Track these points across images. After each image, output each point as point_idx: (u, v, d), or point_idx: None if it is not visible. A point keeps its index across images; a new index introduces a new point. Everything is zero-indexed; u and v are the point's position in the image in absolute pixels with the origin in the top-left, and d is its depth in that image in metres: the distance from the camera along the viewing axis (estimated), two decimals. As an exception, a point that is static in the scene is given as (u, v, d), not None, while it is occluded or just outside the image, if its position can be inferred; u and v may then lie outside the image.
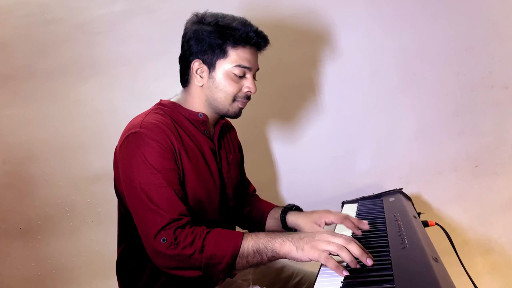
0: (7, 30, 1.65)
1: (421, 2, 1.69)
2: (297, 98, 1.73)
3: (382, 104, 1.73)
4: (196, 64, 1.11)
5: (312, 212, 1.20)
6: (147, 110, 1.13)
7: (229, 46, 1.09)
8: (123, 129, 1.09)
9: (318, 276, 0.88)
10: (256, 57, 1.15)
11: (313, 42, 1.70)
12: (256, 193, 1.41)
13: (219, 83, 1.11)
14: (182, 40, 1.14)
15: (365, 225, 1.11)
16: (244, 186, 1.36)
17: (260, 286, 1.13)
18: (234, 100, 1.13)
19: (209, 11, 1.13)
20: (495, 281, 1.79)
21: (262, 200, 1.38)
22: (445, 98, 1.73)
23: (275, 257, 0.93)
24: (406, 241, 0.94)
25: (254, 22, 1.13)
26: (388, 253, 0.91)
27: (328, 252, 0.87)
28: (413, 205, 1.45)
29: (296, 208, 1.27)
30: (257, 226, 1.31)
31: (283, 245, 0.92)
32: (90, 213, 1.71)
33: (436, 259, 0.83)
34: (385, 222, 1.16)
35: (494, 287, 1.79)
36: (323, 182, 1.74)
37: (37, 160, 1.69)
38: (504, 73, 1.72)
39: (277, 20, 1.67)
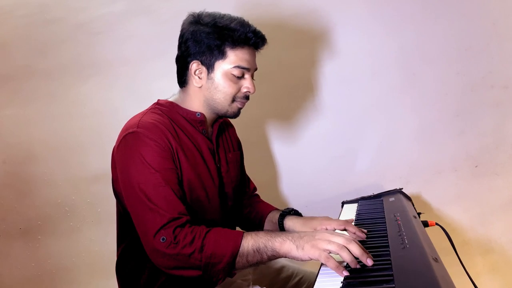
0: (7, 30, 1.65)
1: (421, 2, 1.69)
2: (297, 98, 1.73)
3: (382, 104, 1.73)
4: (194, 65, 1.11)
5: (312, 218, 1.18)
6: (145, 110, 1.12)
7: (227, 47, 1.08)
8: (123, 129, 1.08)
9: (318, 276, 0.88)
10: (254, 57, 1.14)
11: (313, 42, 1.70)
12: (257, 192, 1.41)
13: (218, 84, 1.11)
14: (179, 41, 1.14)
15: (362, 233, 1.07)
16: (244, 185, 1.35)
17: (260, 286, 1.13)
18: (233, 100, 1.13)
19: (206, 10, 1.12)
20: (495, 281, 1.79)
21: (262, 202, 1.37)
22: (445, 98, 1.73)
23: (275, 256, 0.93)
24: (406, 241, 0.94)
25: (255, 22, 1.12)
26: (388, 253, 0.91)
27: (328, 252, 0.87)
28: (413, 205, 1.44)
29: (295, 213, 1.25)
30: (256, 228, 1.30)
31: (283, 244, 0.91)
32: (90, 213, 1.71)
33: (436, 259, 0.83)
34: (385, 222, 1.16)
35: (494, 287, 1.79)
36: (323, 182, 1.74)
37: (37, 160, 1.69)
38: (504, 73, 1.72)
39: (277, 20, 1.67)
